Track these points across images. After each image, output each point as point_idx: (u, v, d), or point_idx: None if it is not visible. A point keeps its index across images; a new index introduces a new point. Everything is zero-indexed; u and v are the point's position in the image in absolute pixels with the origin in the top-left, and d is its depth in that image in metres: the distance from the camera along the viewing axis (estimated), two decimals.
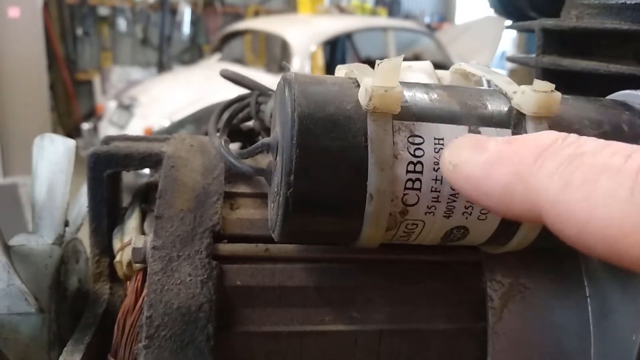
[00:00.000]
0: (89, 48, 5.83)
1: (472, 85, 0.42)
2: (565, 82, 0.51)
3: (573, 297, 0.43)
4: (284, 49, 4.64)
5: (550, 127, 0.34)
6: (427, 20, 7.40)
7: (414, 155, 0.32)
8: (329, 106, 0.32)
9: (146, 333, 0.36)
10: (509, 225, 0.35)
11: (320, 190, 0.32)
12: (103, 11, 5.76)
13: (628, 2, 0.47)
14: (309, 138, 0.31)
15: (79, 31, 5.66)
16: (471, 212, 0.33)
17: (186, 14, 6.07)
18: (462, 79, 0.42)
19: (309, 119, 0.31)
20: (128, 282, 0.44)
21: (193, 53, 6.28)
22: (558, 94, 0.33)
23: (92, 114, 4.86)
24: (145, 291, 0.38)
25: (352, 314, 0.40)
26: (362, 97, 0.31)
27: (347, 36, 5.23)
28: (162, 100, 3.82)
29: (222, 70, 0.51)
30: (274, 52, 5.95)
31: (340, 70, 0.39)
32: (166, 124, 3.48)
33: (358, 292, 0.40)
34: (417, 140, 0.32)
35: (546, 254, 0.43)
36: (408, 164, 0.32)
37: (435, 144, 0.32)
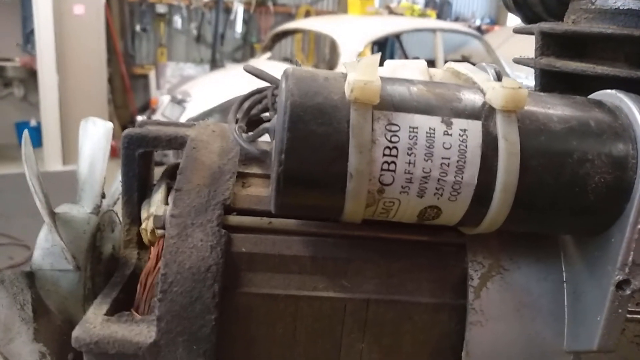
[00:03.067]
0: (146, 44, 6.05)
1: (461, 82, 0.46)
2: (564, 82, 0.54)
3: (550, 280, 0.46)
4: (333, 49, 4.69)
5: (519, 121, 0.38)
6: (477, 22, 7.31)
7: (390, 141, 0.36)
8: (317, 96, 0.37)
9: (161, 288, 0.42)
10: (478, 207, 0.39)
11: (307, 168, 0.37)
12: (161, 8, 5.97)
13: (621, 7, 0.49)
14: (298, 123, 0.36)
15: (138, 27, 5.90)
16: (442, 193, 0.38)
17: (239, 13, 6.21)
18: (452, 76, 0.46)
19: (299, 107, 0.36)
20: (152, 248, 0.50)
21: (245, 51, 6.43)
22: (525, 90, 0.37)
23: (147, 107, 5.05)
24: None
25: (343, 283, 0.45)
26: (346, 89, 0.36)
27: (396, 37, 5.24)
28: (213, 96, 3.94)
29: (245, 65, 0.56)
30: (323, 52, 6.02)
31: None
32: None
33: (349, 264, 0.45)
34: (394, 128, 0.37)
35: (528, 239, 0.47)
36: (384, 149, 0.36)
37: (410, 131, 0.37)
